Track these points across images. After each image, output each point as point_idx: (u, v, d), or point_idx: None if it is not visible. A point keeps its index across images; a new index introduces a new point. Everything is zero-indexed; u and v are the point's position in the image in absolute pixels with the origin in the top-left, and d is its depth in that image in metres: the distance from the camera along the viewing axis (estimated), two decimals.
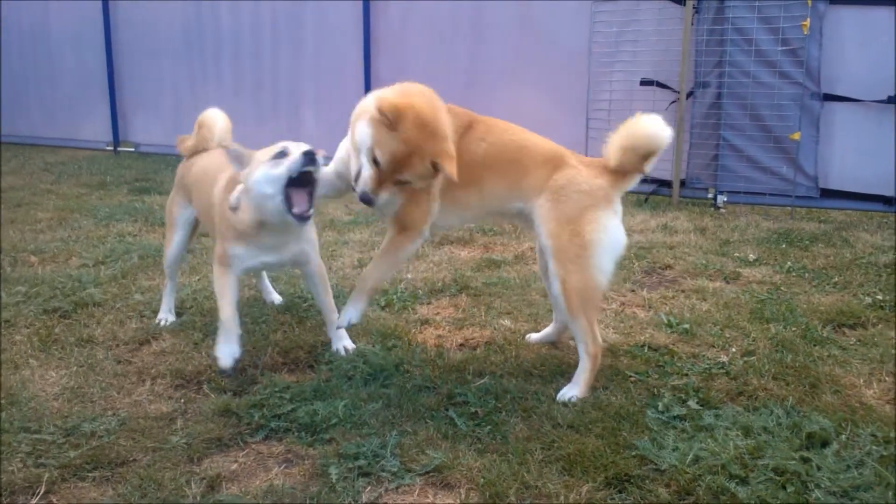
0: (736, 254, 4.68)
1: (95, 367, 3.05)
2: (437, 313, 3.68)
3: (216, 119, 3.51)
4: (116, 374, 2.99)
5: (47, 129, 9.95)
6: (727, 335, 3.35)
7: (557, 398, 2.77)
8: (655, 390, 2.82)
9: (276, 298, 3.83)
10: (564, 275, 2.76)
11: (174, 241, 3.56)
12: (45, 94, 10.05)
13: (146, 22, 9.04)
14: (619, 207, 2.90)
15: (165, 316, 3.60)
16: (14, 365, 3.08)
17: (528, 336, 3.38)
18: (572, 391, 2.79)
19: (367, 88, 7.85)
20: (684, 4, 6.07)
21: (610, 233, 2.80)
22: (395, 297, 3.82)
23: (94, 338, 3.36)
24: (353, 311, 2.85)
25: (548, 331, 3.34)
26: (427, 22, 7.49)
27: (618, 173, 2.86)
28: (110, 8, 9.14)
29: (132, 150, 9.38)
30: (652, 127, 2.80)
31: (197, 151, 3.50)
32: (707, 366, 3.04)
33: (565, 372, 2.93)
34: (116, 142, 9.47)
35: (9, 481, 2.27)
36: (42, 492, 2.24)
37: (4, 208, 6.07)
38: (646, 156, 2.82)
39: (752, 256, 4.62)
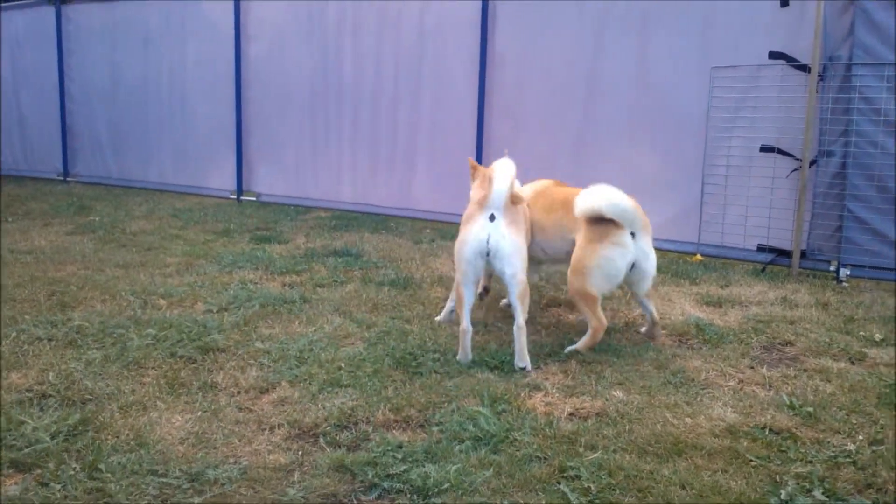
0: (861, 332, 4.44)
1: (218, 413, 3.19)
2: (547, 378, 3.65)
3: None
4: (238, 422, 3.11)
5: (177, 177, 10.59)
6: (853, 421, 3.18)
7: (566, 350, 4.00)
8: (778, 477, 2.70)
9: None
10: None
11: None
12: (178, 143, 10.71)
13: (274, 81, 9.56)
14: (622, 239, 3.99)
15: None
16: (143, 406, 3.24)
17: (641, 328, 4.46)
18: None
19: (479, 145, 7.99)
20: (809, 72, 5.93)
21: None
22: (504, 359, 3.83)
23: (217, 384, 3.51)
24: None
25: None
26: (542, 82, 7.57)
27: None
28: (242, 66, 9.72)
29: (254, 199, 9.83)
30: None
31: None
32: (833, 454, 2.89)
33: (682, 451, 2.85)
34: (240, 191, 9.97)
35: None
36: None
37: (136, 252, 6.48)
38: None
39: (878, 336, 4.37)
